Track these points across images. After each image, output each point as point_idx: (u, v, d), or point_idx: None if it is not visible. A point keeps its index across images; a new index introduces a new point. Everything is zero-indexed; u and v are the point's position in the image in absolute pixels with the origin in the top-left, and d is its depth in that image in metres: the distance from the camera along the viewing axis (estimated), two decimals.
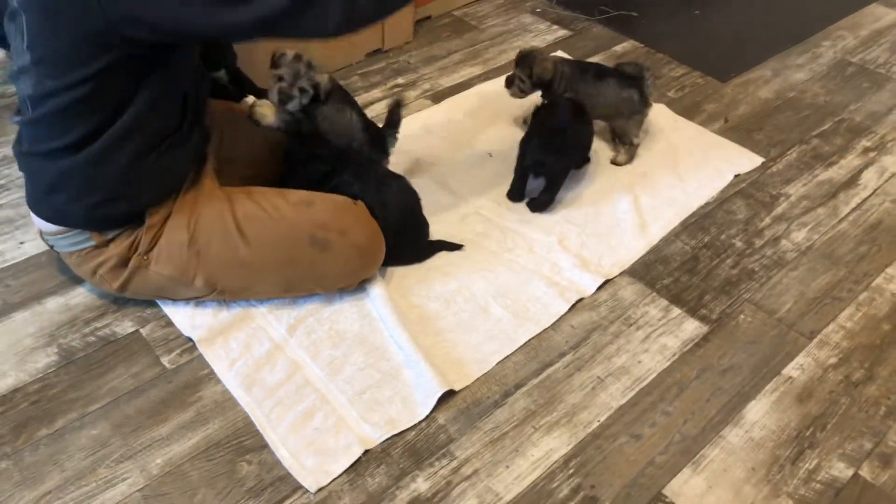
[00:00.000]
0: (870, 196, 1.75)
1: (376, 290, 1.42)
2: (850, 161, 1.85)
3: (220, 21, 1.08)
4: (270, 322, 1.39)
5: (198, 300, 1.38)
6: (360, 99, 1.90)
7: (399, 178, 1.53)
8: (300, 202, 1.35)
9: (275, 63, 1.48)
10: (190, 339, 1.36)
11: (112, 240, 1.29)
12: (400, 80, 2.09)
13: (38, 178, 1.26)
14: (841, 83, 2.13)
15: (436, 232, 1.58)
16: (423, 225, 1.56)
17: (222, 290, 1.35)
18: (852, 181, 1.79)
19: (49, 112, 1.16)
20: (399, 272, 1.50)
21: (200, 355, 1.34)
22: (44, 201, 1.27)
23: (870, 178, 1.79)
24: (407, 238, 1.51)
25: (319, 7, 1.08)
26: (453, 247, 1.56)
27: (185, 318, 1.39)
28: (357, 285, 1.42)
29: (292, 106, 1.47)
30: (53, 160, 1.20)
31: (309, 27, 1.11)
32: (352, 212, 1.38)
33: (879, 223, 1.67)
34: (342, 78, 2.02)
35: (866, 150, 1.88)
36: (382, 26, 2.14)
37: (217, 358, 1.33)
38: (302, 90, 1.46)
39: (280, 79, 1.46)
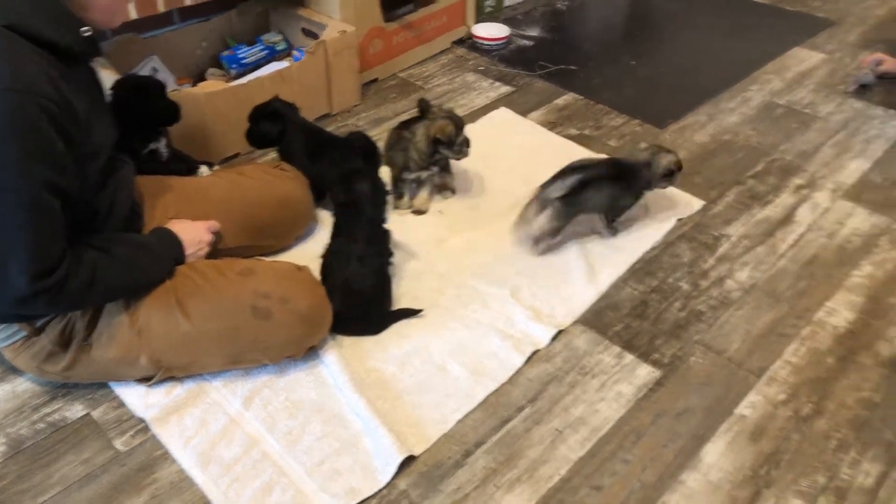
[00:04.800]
0: (805, 232, 1.82)
1: (331, 357, 1.42)
2: (785, 199, 1.93)
3: None
4: (225, 396, 1.38)
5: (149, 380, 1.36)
6: None
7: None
8: (242, 272, 1.36)
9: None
10: (143, 420, 1.33)
11: (43, 327, 1.27)
12: None
13: None
14: (771, 125, 2.24)
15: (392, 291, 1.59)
16: (388, 302, 1.56)
17: (169, 367, 1.34)
18: (788, 219, 1.87)
19: None
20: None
21: (154, 436, 1.31)
22: None
23: (804, 215, 1.88)
24: (367, 311, 1.52)
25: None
26: (412, 313, 1.56)
27: (138, 397, 1.36)
28: (304, 353, 1.41)
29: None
30: None
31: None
32: (294, 279, 1.38)
33: (816, 258, 1.74)
34: None
35: (799, 188, 1.97)
36: (330, 90, 2.19)
37: (171, 437, 1.31)
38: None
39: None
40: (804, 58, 2.63)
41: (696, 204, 1.90)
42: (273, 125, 1.74)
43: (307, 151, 1.73)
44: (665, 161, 1.73)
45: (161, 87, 1.65)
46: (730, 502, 1.23)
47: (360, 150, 1.66)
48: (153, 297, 1.31)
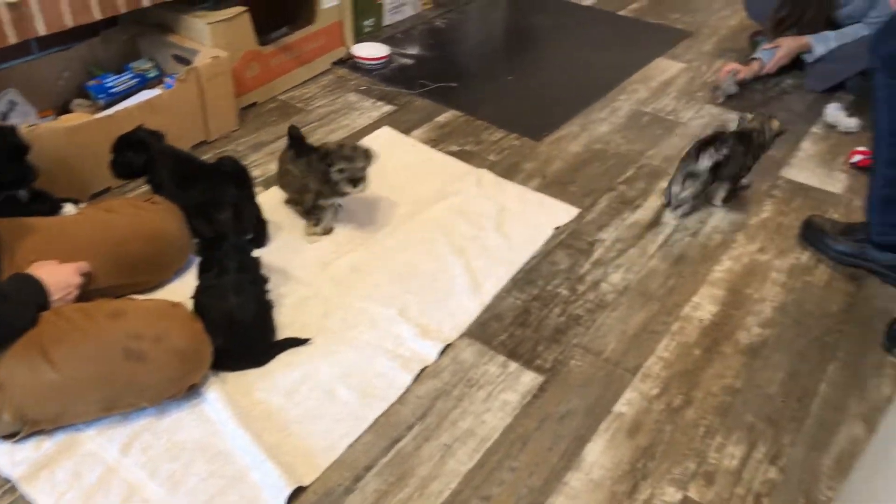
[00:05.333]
0: (672, 233, 1.94)
1: (214, 393, 1.39)
2: (653, 202, 2.05)
3: None
4: (101, 445, 1.31)
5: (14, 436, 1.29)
6: None
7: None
8: (111, 314, 1.31)
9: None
10: (9, 479, 1.25)
11: None
12: None
13: None
14: (638, 132, 2.38)
15: (276, 319, 1.57)
16: (271, 330, 1.54)
17: (35, 421, 1.27)
18: (656, 220, 1.98)
19: None
20: None
21: (23, 495, 1.24)
22: None
23: (670, 217, 2.00)
24: (251, 343, 1.49)
25: None
26: (299, 342, 1.54)
27: (2, 455, 1.28)
28: (185, 391, 1.37)
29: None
30: None
31: None
32: (168, 316, 1.34)
33: (682, 257, 1.86)
34: None
35: (665, 191, 2.10)
36: (205, 117, 2.14)
37: (42, 494, 1.24)
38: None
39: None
40: (666, 67, 2.81)
41: (572, 212, 1.99)
42: (137, 155, 1.69)
43: (176, 180, 1.69)
44: (775, 125, 2.03)
45: (19, 150, 1.55)
46: (610, 498, 1.29)
47: (231, 175, 1.64)
48: (15, 348, 1.24)
